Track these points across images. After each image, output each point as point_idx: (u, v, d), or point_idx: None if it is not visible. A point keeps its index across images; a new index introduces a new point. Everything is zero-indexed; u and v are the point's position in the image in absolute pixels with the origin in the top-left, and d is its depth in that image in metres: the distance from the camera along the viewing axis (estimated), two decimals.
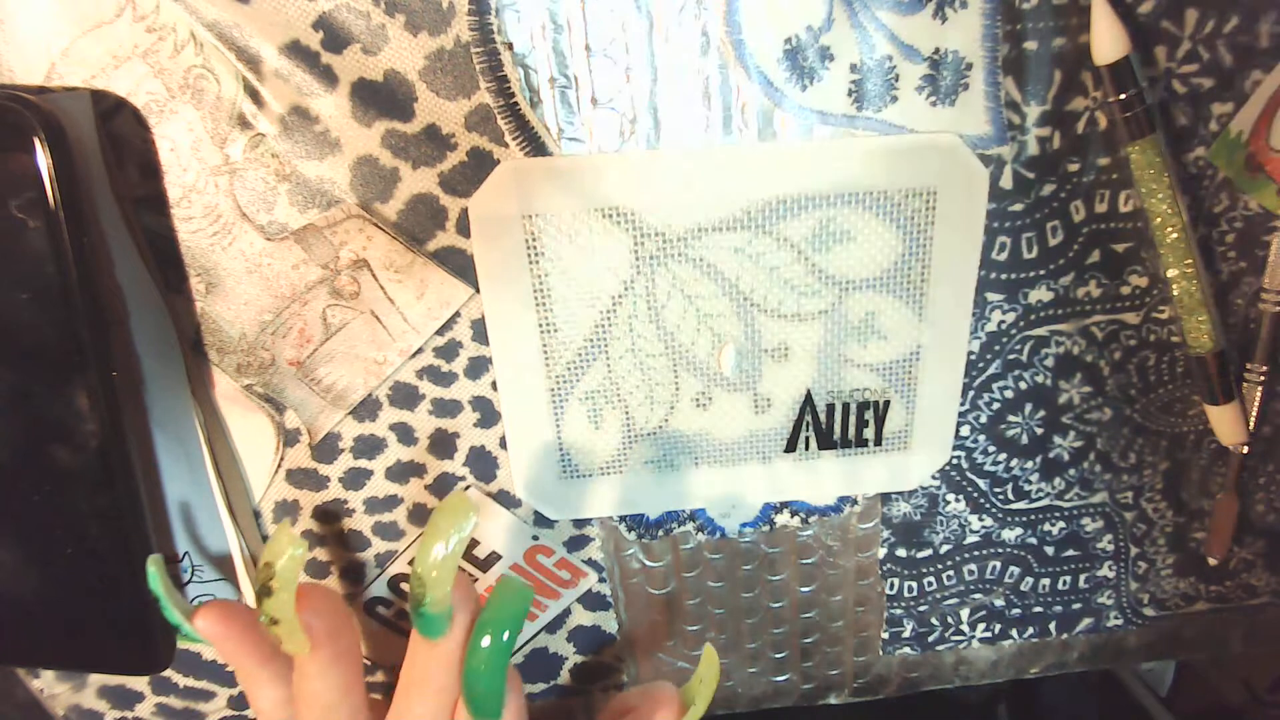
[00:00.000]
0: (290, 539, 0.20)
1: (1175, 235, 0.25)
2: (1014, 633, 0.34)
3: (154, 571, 0.21)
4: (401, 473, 0.28)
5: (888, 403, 0.28)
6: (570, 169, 0.24)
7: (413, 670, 0.22)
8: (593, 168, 0.24)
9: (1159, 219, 0.25)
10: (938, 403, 0.28)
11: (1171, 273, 0.26)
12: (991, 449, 0.30)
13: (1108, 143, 0.25)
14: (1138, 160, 0.24)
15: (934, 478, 0.30)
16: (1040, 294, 0.27)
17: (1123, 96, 0.23)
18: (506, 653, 0.21)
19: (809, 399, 0.28)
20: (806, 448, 0.29)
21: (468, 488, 0.28)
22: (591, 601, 0.32)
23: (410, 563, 0.20)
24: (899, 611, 0.33)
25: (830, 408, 0.28)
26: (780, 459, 0.29)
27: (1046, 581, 0.32)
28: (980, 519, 0.31)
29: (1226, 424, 0.28)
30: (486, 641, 0.21)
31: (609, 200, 0.25)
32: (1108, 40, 0.23)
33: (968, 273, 0.26)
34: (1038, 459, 0.30)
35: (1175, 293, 0.26)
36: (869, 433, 0.29)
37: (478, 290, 0.25)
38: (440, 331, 0.26)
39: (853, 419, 0.28)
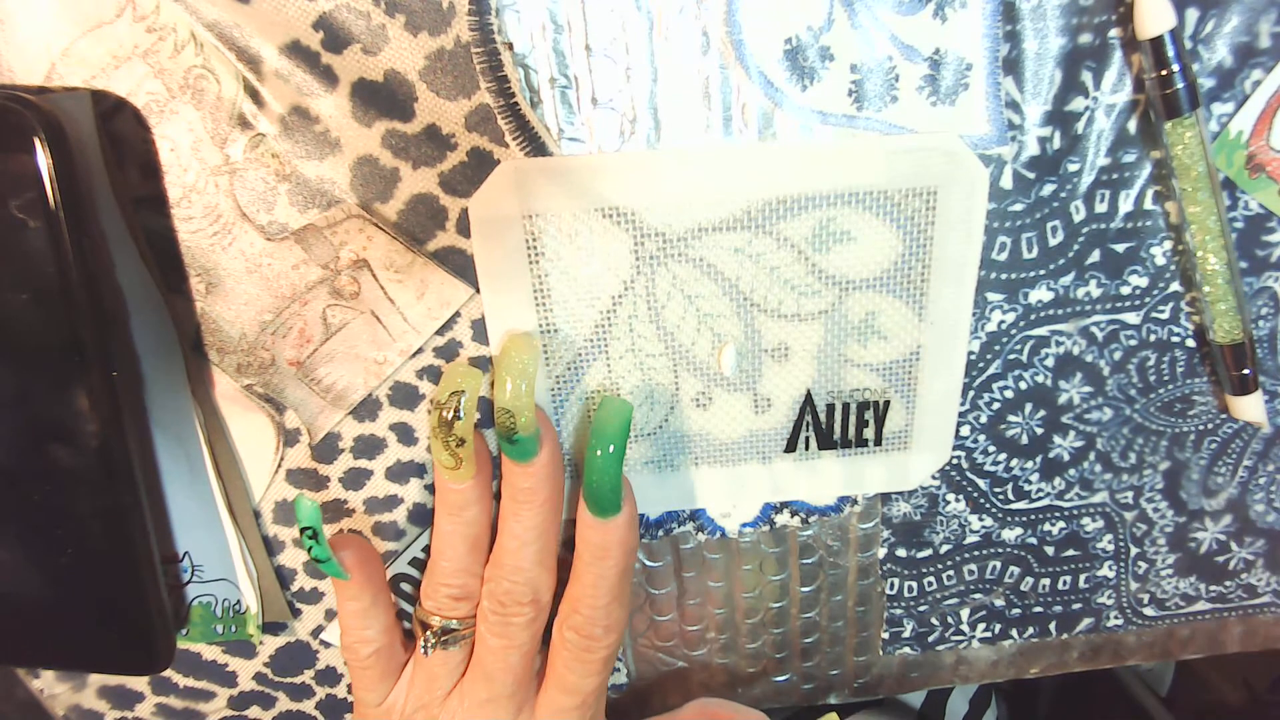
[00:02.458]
0: (466, 369, 0.25)
1: (1213, 219, 0.24)
2: (1014, 633, 0.34)
3: (312, 506, 0.24)
4: (401, 473, 0.28)
5: (888, 403, 0.28)
6: (570, 169, 0.24)
7: (517, 492, 0.26)
8: (592, 168, 0.24)
9: (1197, 206, 0.24)
10: (938, 403, 0.28)
11: (1206, 258, 0.25)
12: (991, 449, 0.30)
13: (1109, 141, 0.25)
14: (1175, 140, 0.24)
15: (934, 478, 0.30)
16: (1040, 294, 0.27)
17: (1163, 73, 0.23)
18: (619, 460, 0.25)
19: (809, 399, 0.28)
20: (807, 448, 0.29)
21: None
22: None
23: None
24: (899, 611, 0.33)
25: (830, 408, 0.28)
26: (780, 459, 0.29)
27: (1046, 581, 0.32)
28: (980, 519, 0.31)
29: (1251, 414, 0.28)
30: (599, 453, 0.25)
31: (609, 200, 0.25)
32: (1153, 13, 0.22)
33: (968, 273, 0.26)
34: (1038, 459, 0.30)
35: (1207, 278, 0.26)
36: (869, 433, 0.29)
37: (478, 290, 0.25)
38: (440, 331, 0.26)
39: (853, 419, 0.28)
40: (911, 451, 0.29)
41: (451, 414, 0.24)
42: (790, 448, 0.29)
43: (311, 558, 0.25)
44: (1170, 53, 0.23)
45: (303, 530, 0.25)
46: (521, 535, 0.26)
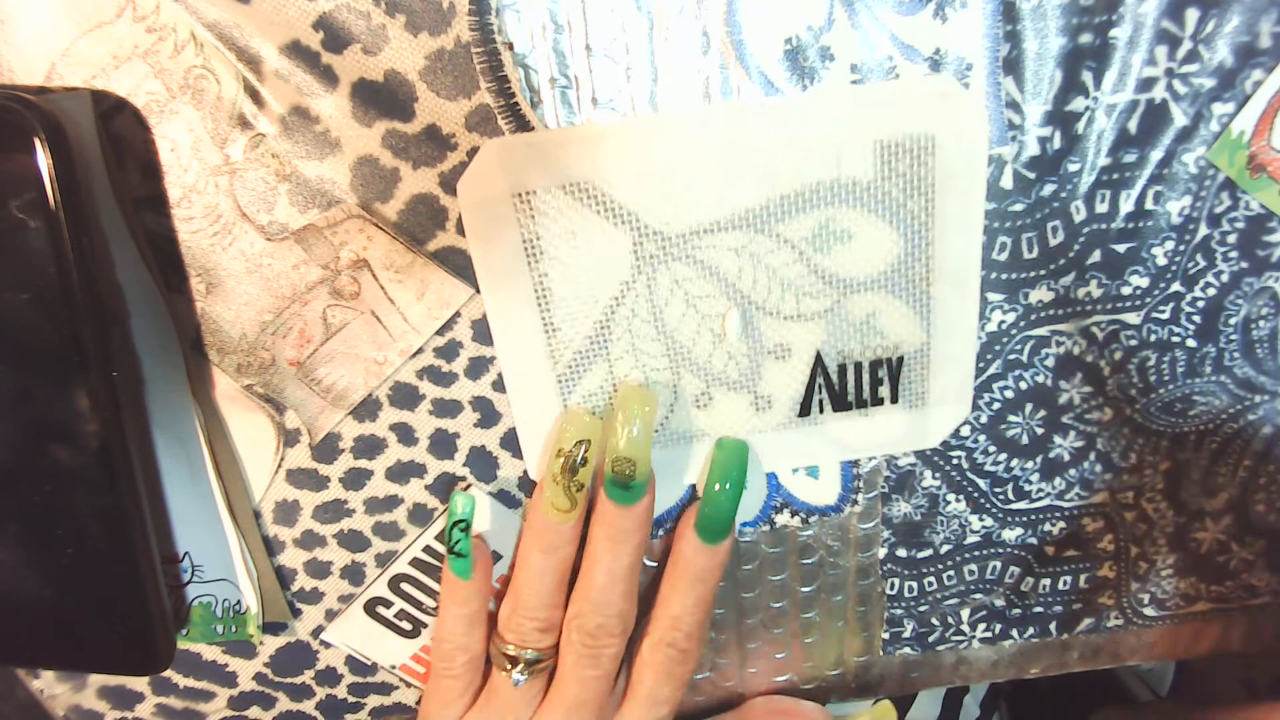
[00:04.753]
0: (586, 418, 0.26)
1: None
2: (1014, 633, 0.34)
3: (469, 499, 0.26)
4: (401, 473, 0.28)
5: (901, 359, 0.28)
6: (555, 142, 0.24)
7: (616, 532, 0.27)
8: (578, 138, 0.24)
9: None
10: (956, 355, 0.27)
11: None
12: (992, 449, 0.30)
13: (1110, 141, 0.25)
14: None
15: (934, 478, 0.30)
16: (1040, 294, 0.27)
17: None
18: (737, 497, 0.27)
19: (818, 359, 0.27)
20: (820, 410, 0.28)
21: (468, 487, 0.28)
22: None
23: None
24: (899, 611, 0.33)
25: (842, 368, 0.28)
26: (794, 425, 0.29)
27: (1047, 581, 0.32)
28: (980, 519, 0.31)
29: None
30: (717, 488, 0.27)
31: (600, 172, 0.24)
32: None
33: (973, 219, 0.25)
34: (1038, 459, 0.30)
35: None
36: (884, 390, 0.28)
37: (478, 290, 0.25)
38: (440, 332, 0.26)
39: (866, 378, 0.28)
40: (930, 408, 0.28)
41: (576, 461, 0.26)
42: (804, 411, 0.28)
43: (454, 551, 0.26)
44: None
45: (456, 523, 0.26)
46: (615, 572, 0.27)
